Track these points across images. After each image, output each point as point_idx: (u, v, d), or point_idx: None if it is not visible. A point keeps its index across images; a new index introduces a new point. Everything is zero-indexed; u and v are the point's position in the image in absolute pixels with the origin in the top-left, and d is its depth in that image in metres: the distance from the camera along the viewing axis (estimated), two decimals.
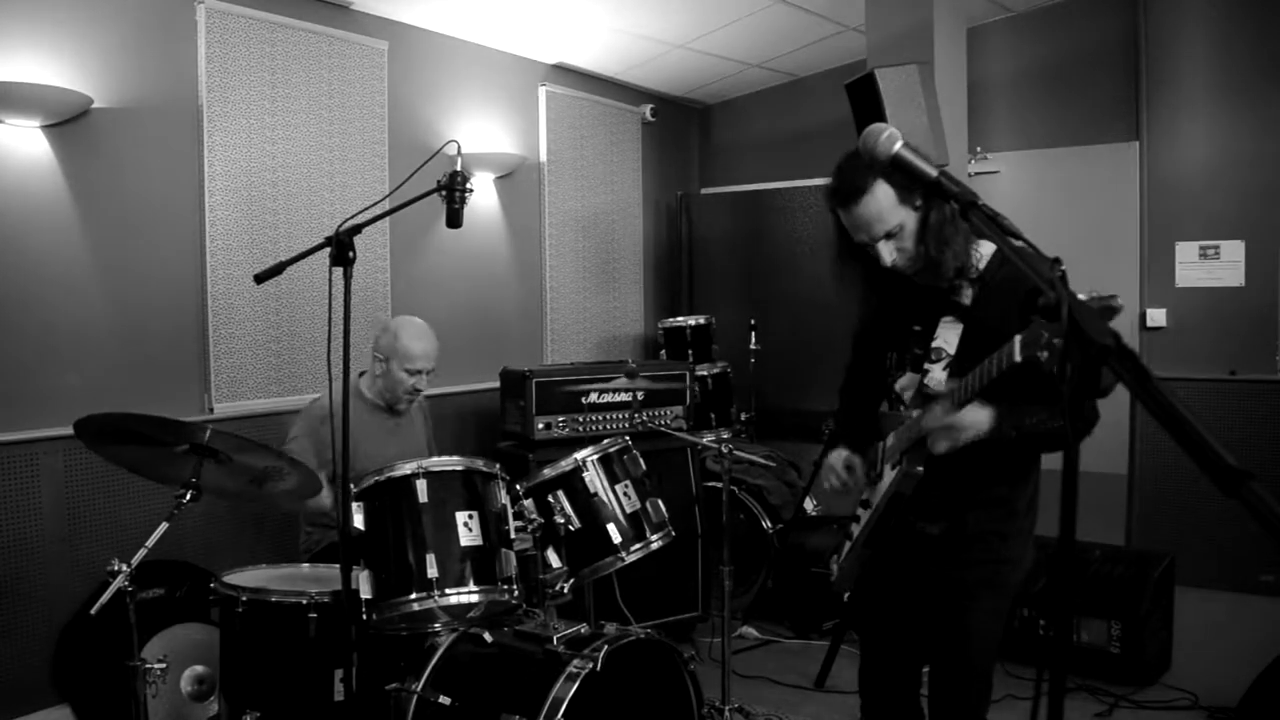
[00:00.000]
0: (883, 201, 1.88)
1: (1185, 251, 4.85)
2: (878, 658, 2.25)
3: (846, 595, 2.24)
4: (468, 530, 2.39)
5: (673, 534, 2.88)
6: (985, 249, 1.94)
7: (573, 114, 5.29)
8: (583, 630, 2.48)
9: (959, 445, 1.86)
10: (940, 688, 2.09)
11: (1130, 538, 4.95)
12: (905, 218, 1.90)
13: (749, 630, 4.28)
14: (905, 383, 2.04)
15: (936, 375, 1.93)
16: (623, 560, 2.73)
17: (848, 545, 2.19)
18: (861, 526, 2.11)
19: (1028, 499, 2.04)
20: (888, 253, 1.92)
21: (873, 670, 2.26)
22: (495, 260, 4.90)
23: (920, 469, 1.94)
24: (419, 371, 3.17)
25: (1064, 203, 5.11)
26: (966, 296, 1.93)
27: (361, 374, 3.28)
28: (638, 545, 2.75)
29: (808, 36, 5.19)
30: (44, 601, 3.17)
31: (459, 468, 2.48)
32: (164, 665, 2.26)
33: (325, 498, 2.96)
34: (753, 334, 5.03)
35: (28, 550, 3.14)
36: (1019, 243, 1.36)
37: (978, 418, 1.84)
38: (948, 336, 1.93)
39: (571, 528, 2.67)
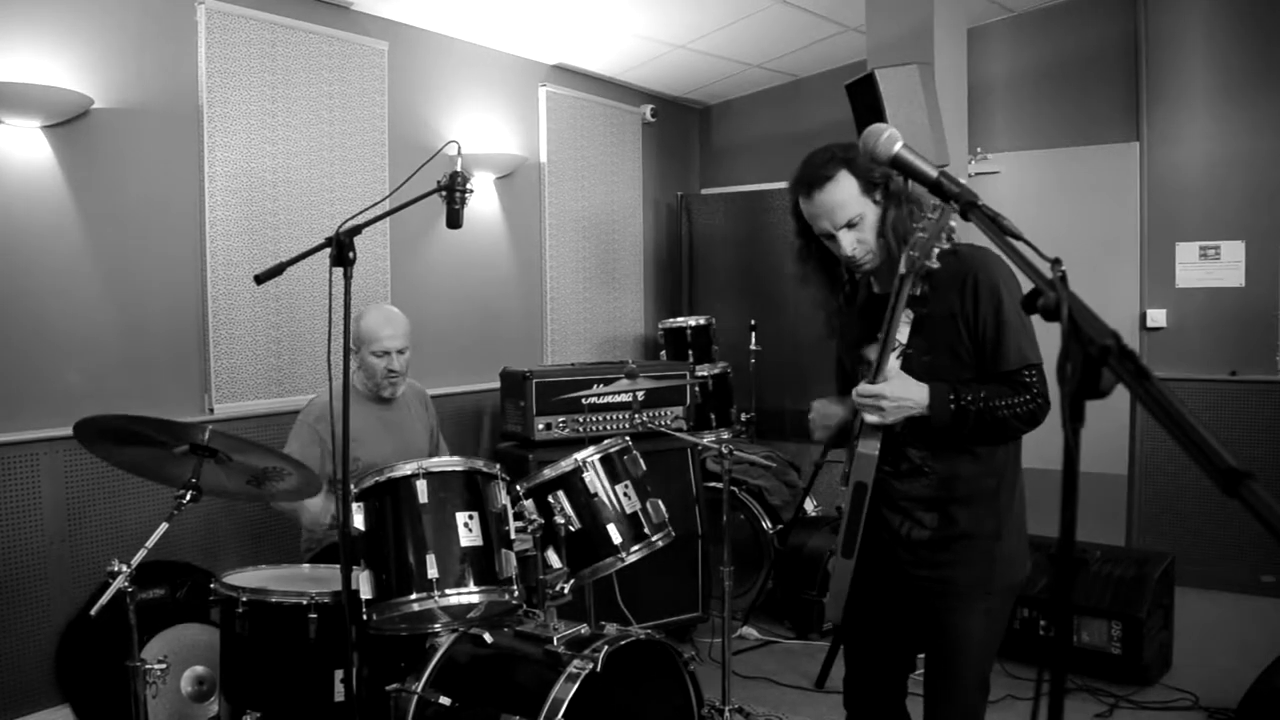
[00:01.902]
0: (845, 189, 1.95)
1: (1185, 252, 4.85)
2: (864, 666, 2.21)
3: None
4: (468, 531, 2.39)
5: (673, 534, 2.88)
6: None
7: (573, 114, 5.30)
8: (583, 631, 2.48)
9: (889, 420, 1.89)
10: (936, 695, 2.05)
11: (1130, 538, 4.95)
12: (866, 209, 1.96)
13: (749, 631, 4.28)
14: None
15: (891, 365, 1.95)
16: (623, 561, 2.73)
17: (832, 562, 2.12)
18: (839, 535, 2.06)
19: (1014, 492, 2.03)
20: (848, 243, 1.97)
21: (859, 679, 2.22)
22: (495, 260, 4.90)
23: (873, 450, 1.93)
24: (387, 352, 3.17)
25: (1064, 203, 5.11)
26: (918, 290, 1.95)
27: (357, 370, 3.29)
28: (638, 546, 2.75)
29: (808, 37, 5.20)
30: (44, 601, 3.17)
31: (459, 468, 2.48)
32: (164, 665, 2.26)
33: (316, 508, 2.96)
34: (753, 334, 5.03)
35: (28, 550, 3.14)
36: (1019, 243, 1.35)
37: (908, 392, 1.88)
38: (901, 329, 1.97)
39: (572, 528, 2.67)
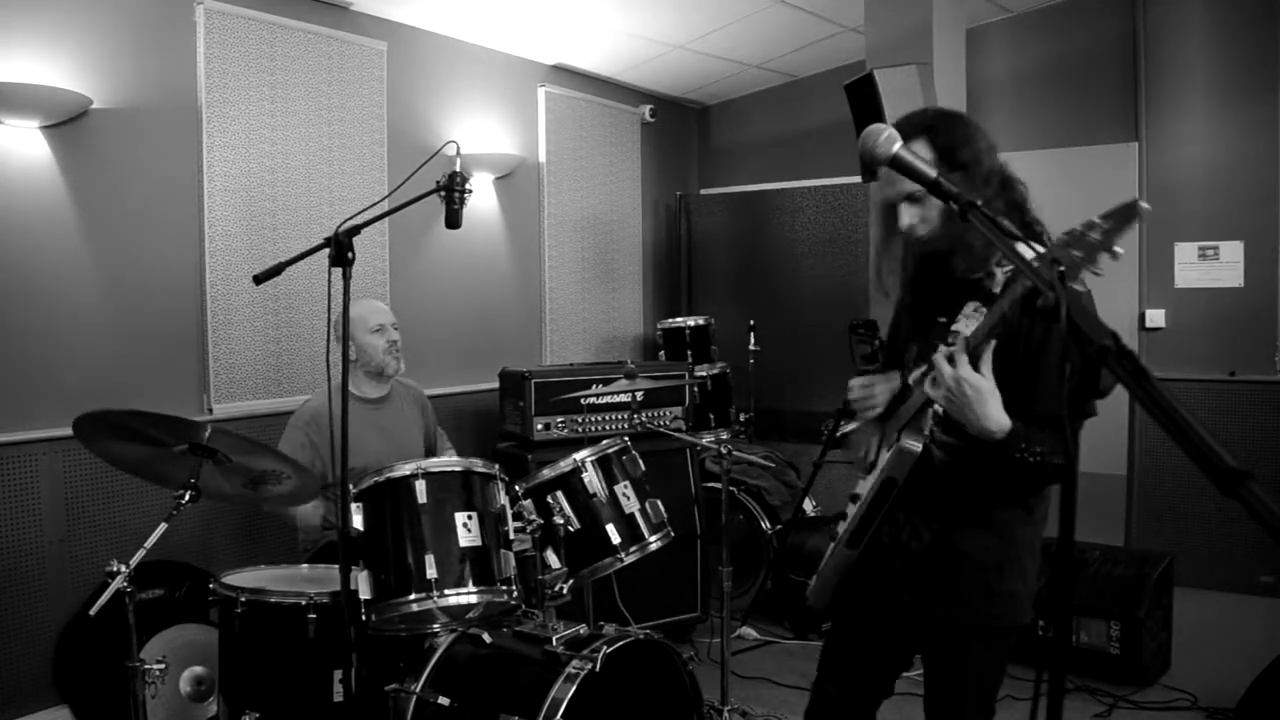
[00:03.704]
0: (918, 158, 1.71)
1: (1184, 252, 4.85)
2: (835, 680, 2.10)
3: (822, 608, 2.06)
4: (467, 531, 2.39)
5: (672, 535, 2.88)
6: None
7: (572, 114, 5.30)
8: (582, 631, 2.48)
9: (940, 402, 1.70)
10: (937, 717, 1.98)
11: (1130, 538, 4.95)
12: None
13: (748, 631, 4.28)
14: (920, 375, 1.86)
15: (987, 373, 1.73)
16: (622, 561, 2.73)
17: (830, 547, 2.03)
18: (848, 521, 1.97)
19: (1033, 529, 1.90)
20: (908, 216, 1.85)
21: (827, 694, 2.10)
22: (495, 261, 4.90)
23: (917, 446, 1.81)
24: (381, 326, 3.23)
25: (1064, 203, 5.08)
26: (997, 285, 1.81)
27: (353, 362, 3.28)
28: (637, 546, 2.75)
29: (807, 37, 5.20)
30: (43, 602, 3.17)
31: (458, 468, 2.48)
32: (163, 666, 2.26)
33: (307, 509, 2.96)
34: (752, 334, 5.03)
35: (27, 550, 3.14)
36: (1019, 244, 1.36)
37: (993, 410, 1.65)
38: (968, 324, 1.80)
39: (571, 528, 2.67)
